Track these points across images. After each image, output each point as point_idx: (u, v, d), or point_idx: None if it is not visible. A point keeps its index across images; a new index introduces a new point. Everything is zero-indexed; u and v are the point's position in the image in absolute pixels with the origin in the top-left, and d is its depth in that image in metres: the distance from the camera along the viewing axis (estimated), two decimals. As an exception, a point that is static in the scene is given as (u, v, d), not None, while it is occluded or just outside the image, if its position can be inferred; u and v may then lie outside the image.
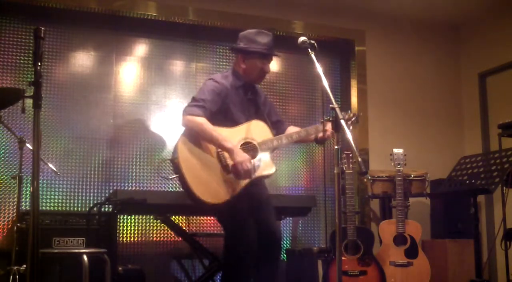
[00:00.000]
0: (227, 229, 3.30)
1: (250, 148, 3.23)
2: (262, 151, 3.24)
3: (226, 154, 3.17)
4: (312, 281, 4.30)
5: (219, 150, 3.18)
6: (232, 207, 3.15)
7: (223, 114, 3.28)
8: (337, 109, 2.59)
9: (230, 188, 3.13)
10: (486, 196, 5.19)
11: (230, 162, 3.15)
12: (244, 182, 3.15)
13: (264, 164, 3.23)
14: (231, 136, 3.21)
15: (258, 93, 3.54)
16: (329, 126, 3.22)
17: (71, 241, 3.73)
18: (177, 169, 3.16)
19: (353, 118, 3.63)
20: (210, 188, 3.11)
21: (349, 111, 3.66)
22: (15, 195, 3.66)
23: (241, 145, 3.22)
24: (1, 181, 4.35)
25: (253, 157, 3.21)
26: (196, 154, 3.16)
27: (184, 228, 4.55)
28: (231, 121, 3.29)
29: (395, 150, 4.43)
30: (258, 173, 3.21)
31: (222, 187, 3.12)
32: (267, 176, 3.29)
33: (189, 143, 3.18)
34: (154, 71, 4.94)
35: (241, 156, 3.11)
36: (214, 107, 3.24)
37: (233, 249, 3.20)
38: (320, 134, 3.37)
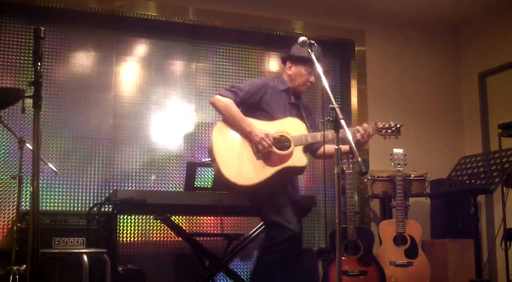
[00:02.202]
0: (271, 216, 3.28)
1: (283, 140, 3.30)
2: (295, 145, 3.29)
3: None
4: (312, 281, 4.30)
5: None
6: (277, 199, 3.23)
7: (263, 110, 3.38)
8: (337, 109, 2.60)
9: (260, 173, 3.20)
10: (486, 196, 5.19)
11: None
12: (274, 169, 3.21)
13: (296, 156, 3.28)
14: (266, 128, 3.30)
15: (302, 101, 3.62)
16: (367, 129, 3.32)
17: (71, 241, 3.74)
18: (210, 151, 3.28)
19: (394, 128, 3.50)
20: (239, 170, 3.18)
21: (391, 122, 3.49)
22: (15, 195, 3.67)
23: (275, 137, 3.28)
24: (1, 181, 4.35)
25: (287, 148, 3.27)
26: (230, 137, 3.27)
27: (184, 228, 4.55)
28: (269, 118, 3.38)
29: (395, 150, 4.43)
30: (288, 163, 3.26)
31: (253, 170, 3.20)
32: (298, 168, 3.32)
33: (224, 127, 3.31)
34: (154, 71, 4.94)
35: (258, 135, 3.19)
36: (249, 98, 3.37)
37: (274, 234, 3.21)
38: (359, 136, 3.34)
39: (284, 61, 3.63)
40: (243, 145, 3.25)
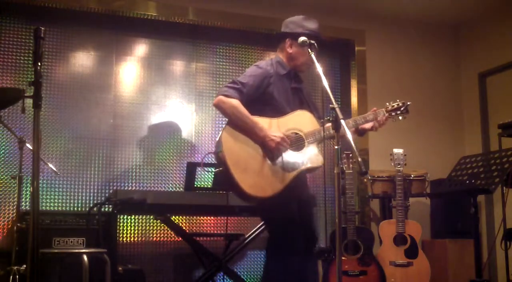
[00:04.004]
0: (273, 224, 3.15)
1: (296, 139, 3.10)
2: (309, 143, 3.10)
3: None
4: (312, 281, 4.30)
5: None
6: (282, 210, 3.03)
7: (268, 103, 3.13)
8: (337, 109, 2.57)
9: (278, 180, 2.97)
10: (486, 196, 5.19)
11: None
12: (293, 174, 3.01)
13: (311, 156, 3.08)
14: (277, 126, 3.07)
15: (302, 83, 3.37)
16: (381, 114, 3.21)
17: (71, 241, 3.74)
18: (221, 161, 2.96)
19: (402, 108, 3.29)
20: (257, 181, 2.95)
21: (398, 101, 3.29)
22: (15, 195, 3.67)
23: (289, 137, 3.07)
24: (1, 181, 4.35)
25: (300, 148, 3.08)
26: (242, 145, 3.00)
27: (184, 228, 4.55)
28: (276, 111, 3.13)
29: (395, 150, 4.43)
30: (305, 166, 3.06)
31: (270, 179, 2.96)
32: (314, 169, 3.13)
33: (234, 133, 3.01)
34: (154, 71, 4.94)
35: (274, 140, 2.96)
36: (254, 92, 3.10)
37: (278, 255, 3.05)
38: (367, 125, 3.21)
39: (282, 39, 3.31)
40: (257, 152, 3.00)
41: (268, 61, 3.30)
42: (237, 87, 3.06)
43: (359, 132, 3.29)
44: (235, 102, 3.02)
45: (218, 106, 3.07)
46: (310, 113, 3.21)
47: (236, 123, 3.03)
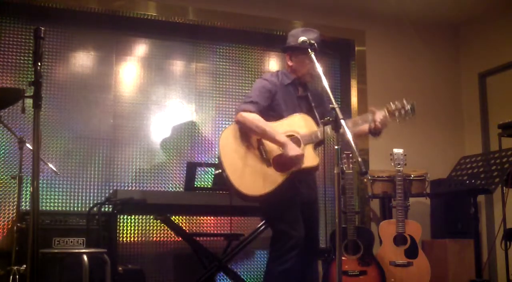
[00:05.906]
0: (275, 223, 3.24)
1: (293, 140, 3.17)
2: (305, 144, 3.19)
3: (266, 147, 3.18)
4: (312, 281, 4.30)
5: (260, 145, 3.19)
6: (282, 202, 3.15)
7: (274, 111, 3.29)
8: (337, 109, 2.59)
9: (271, 181, 3.11)
10: (486, 196, 5.19)
11: (270, 156, 3.16)
12: (288, 173, 3.12)
13: (307, 156, 3.16)
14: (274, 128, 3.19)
15: (311, 91, 3.48)
16: (380, 114, 3.18)
17: (71, 241, 3.74)
18: (218, 161, 3.20)
19: (407, 108, 3.22)
20: (249, 180, 3.11)
21: (403, 100, 3.21)
22: (15, 195, 3.67)
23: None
24: (1, 181, 4.35)
25: None
26: (238, 148, 3.19)
27: (184, 228, 4.55)
28: (278, 117, 3.27)
29: (395, 150, 4.43)
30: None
31: (262, 179, 3.11)
32: (310, 168, 3.22)
33: (231, 137, 3.22)
34: (154, 71, 4.94)
35: (295, 150, 3.08)
36: (265, 102, 3.27)
37: (281, 245, 3.14)
38: (372, 125, 3.21)
39: (284, 53, 3.49)
40: (251, 153, 3.18)
41: (274, 73, 3.46)
42: (253, 101, 3.24)
43: (373, 132, 3.25)
44: (255, 116, 3.20)
45: (240, 122, 3.23)
46: (308, 117, 3.30)
47: (258, 134, 3.20)
